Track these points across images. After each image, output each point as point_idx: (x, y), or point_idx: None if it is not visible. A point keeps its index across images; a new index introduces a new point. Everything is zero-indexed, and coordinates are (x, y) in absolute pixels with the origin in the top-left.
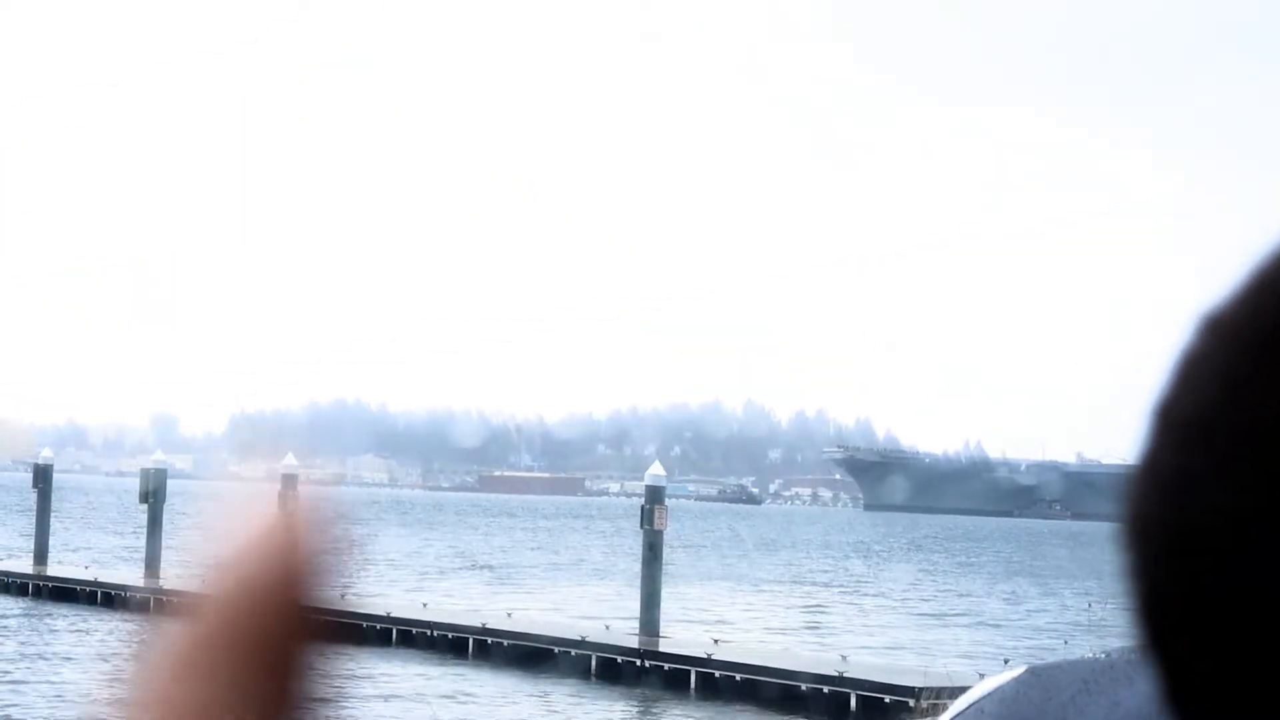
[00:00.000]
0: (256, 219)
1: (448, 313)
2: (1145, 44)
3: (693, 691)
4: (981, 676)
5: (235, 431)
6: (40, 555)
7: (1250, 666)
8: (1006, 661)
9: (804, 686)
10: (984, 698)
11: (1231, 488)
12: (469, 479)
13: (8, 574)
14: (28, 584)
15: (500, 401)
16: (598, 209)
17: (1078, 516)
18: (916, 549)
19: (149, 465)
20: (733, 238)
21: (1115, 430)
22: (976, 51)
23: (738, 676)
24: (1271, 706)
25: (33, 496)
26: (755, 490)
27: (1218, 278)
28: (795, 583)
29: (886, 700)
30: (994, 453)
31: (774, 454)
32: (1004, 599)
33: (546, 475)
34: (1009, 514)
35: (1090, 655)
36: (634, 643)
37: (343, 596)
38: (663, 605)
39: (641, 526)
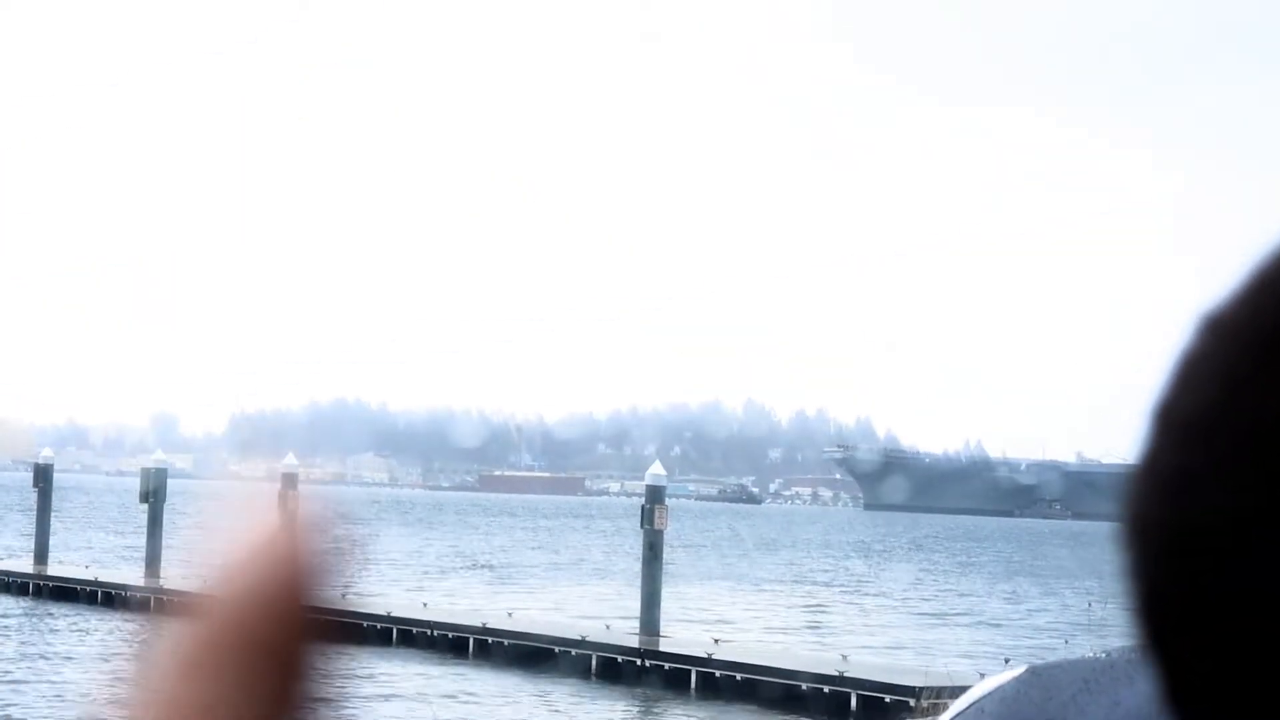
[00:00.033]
0: (256, 219)
1: (448, 313)
2: (1145, 44)
3: (693, 691)
4: (982, 676)
5: (235, 431)
6: (40, 555)
7: (1250, 666)
8: (1007, 661)
9: (804, 686)
10: (984, 697)
11: (1231, 488)
12: (469, 478)
13: (8, 573)
14: (28, 583)
15: (500, 401)
16: (598, 209)
17: (1078, 516)
18: (917, 548)
19: (149, 465)
20: (733, 238)
21: (1115, 430)
22: (976, 51)
23: (738, 676)
24: (1271, 706)
25: (33, 496)
26: (755, 490)
27: (1218, 278)
28: (796, 582)
29: (887, 700)
30: (994, 452)
31: (774, 454)
32: (1004, 598)
33: (547, 475)
34: (1009, 514)
35: (1090, 655)
36: (634, 642)
37: (343, 596)
38: (663, 605)
39: (642, 526)
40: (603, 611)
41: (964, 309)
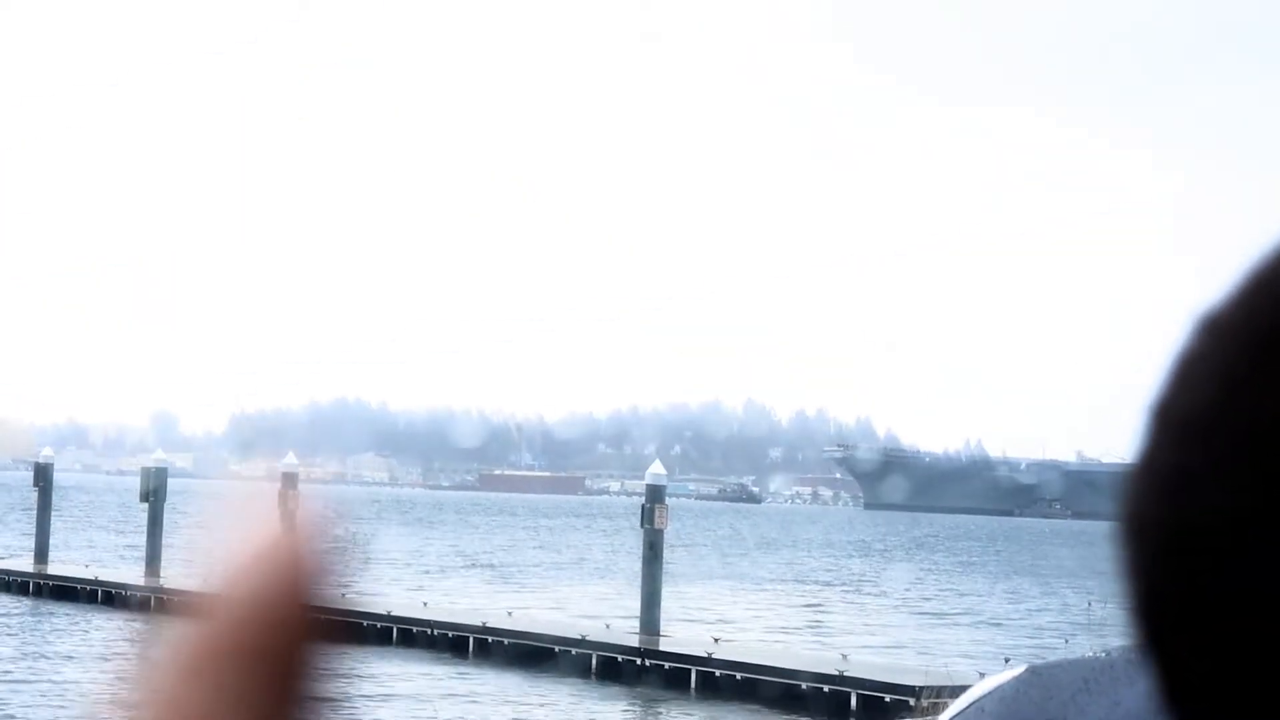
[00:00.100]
0: (256, 219)
1: (448, 313)
2: (1145, 44)
3: (693, 690)
4: (982, 675)
5: (235, 430)
6: (41, 554)
7: (1248, 666)
8: (1007, 660)
9: (804, 685)
10: (984, 696)
11: (1229, 487)
12: (469, 478)
13: (8, 573)
14: (28, 582)
15: (500, 401)
16: (598, 209)
17: (1078, 515)
18: (917, 548)
19: (149, 464)
20: (733, 238)
21: (1115, 430)
22: (976, 51)
23: (738, 675)
24: (1269, 706)
25: (33, 495)
26: (755, 489)
27: (1218, 278)
28: (796, 582)
29: (887, 699)
30: (994, 452)
31: (774, 453)
32: (1004, 598)
33: (547, 474)
34: (1009, 513)
35: (1091, 654)
36: (634, 642)
37: (343, 595)
38: (663, 604)
39: (642, 525)
40: (603, 611)
41: (964, 309)
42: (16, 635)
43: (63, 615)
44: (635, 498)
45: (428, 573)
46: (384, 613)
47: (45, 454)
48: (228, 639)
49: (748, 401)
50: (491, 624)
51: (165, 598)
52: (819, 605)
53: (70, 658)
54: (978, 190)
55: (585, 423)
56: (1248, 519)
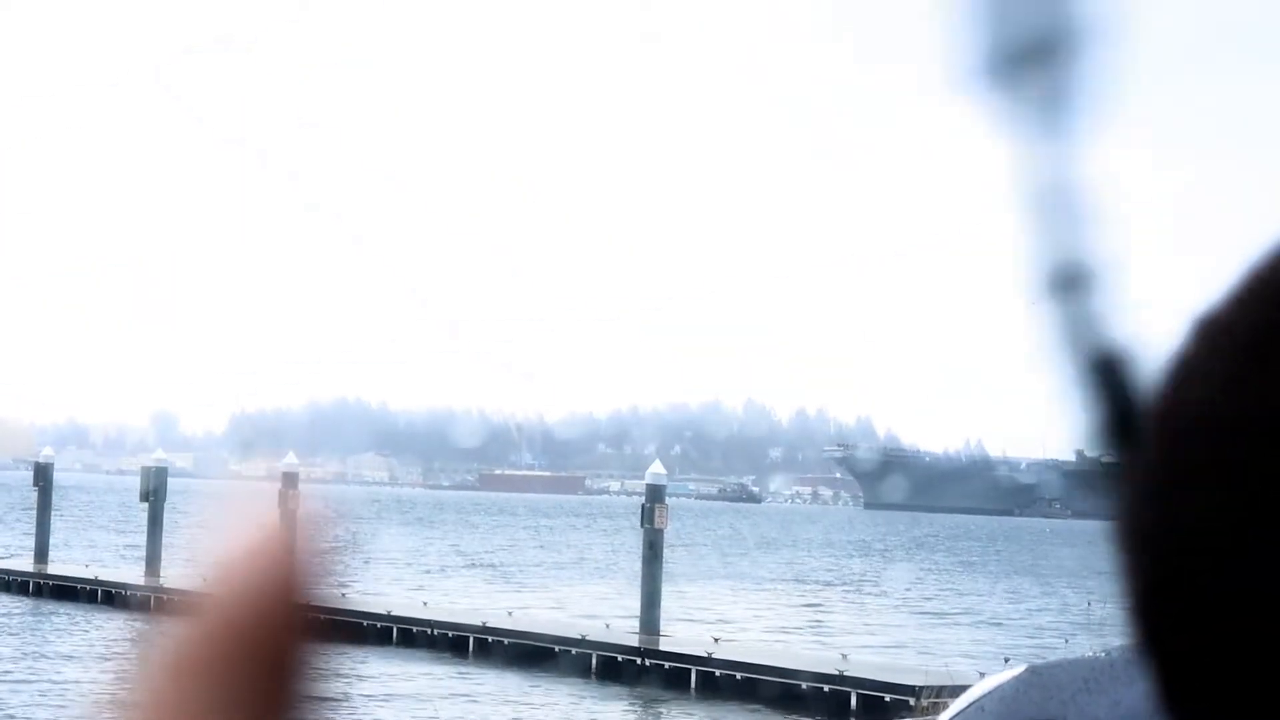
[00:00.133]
0: (256, 219)
1: (448, 313)
2: (1145, 43)
3: (693, 690)
4: (982, 675)
5: (235, 430)
6: (41, 553)
7: (1246, 666)
8: (1007, 660)
9: (804, 685)
10: (984, 696)
11: (1226, 488)
12: (469, 477)
13: (8, 572)
14: (28, 582)
15: (500, 401)
16: (598, 209)
17: (1078, 515)
18: (917, 547)
19: (150, 464)
20: (733, 238)
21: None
22: None
23: (738, 675)
24: (1268, 706)
25: (33, 495)
26: (755, 489)
27: (1218, 278)
28: (796, 581)
29: (887, 699)
30: (994, 452)
31: (774, 453)
32: (1005, 597)
33: (547, 474)
34: (1009, 512)
35: (1090, 654)
36: (634, 641)
37: (344, 595)
38: (663, 604)
39: (642, 525)
40: (603, 610)
41: (964, 309)
42: (16, 635)
43: (63, 615)
44: (635, 497)
45: (428, 572)
46: (384, 612)
47: (45, 454)
48: (220, 638)
49: (748, 401)
50: (491, 624)
51: (165, 597)
52: (819, 605)
53: (70, 658)
54: (978, 190)
55: (585, 422)
56: (1244, 520)
